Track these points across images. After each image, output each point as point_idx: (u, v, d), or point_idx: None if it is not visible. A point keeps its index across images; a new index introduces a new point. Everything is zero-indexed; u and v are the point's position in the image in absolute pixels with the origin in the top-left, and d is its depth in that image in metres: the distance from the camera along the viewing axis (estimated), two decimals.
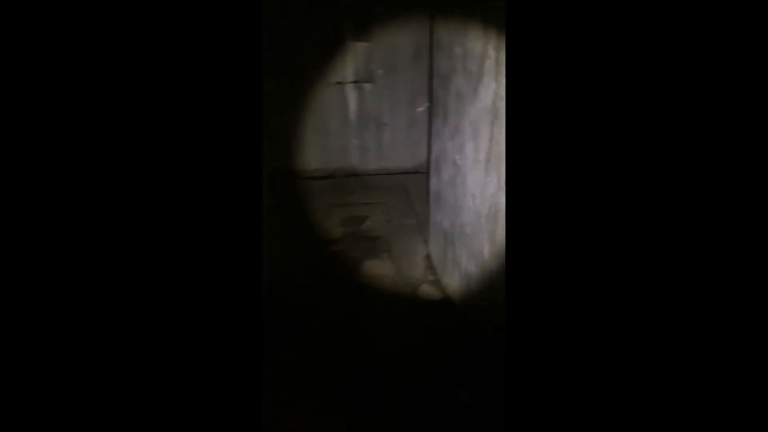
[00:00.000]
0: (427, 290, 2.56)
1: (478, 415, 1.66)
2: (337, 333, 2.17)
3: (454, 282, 2.41)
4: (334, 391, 1.80)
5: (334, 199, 3.91)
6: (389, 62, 4.19)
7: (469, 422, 1.65)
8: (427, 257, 2.75)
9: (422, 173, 4.56)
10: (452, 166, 2.41)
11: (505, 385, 1.21)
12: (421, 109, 4.39)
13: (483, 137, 1.91)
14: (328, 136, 4.45)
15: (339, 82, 4.24)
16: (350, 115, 4.40)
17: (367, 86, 4.29)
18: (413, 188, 4.15)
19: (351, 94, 4.31)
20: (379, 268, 2.69)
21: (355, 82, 4.24)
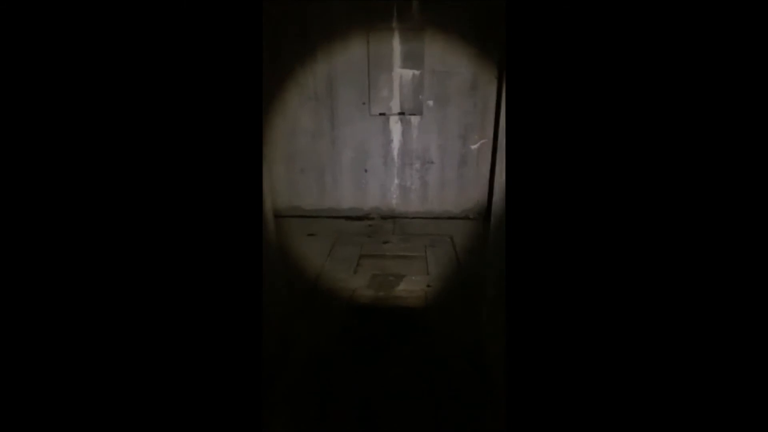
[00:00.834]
0: None
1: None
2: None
3: None
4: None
5: (365, 247, 3.36)
6: (440, 93, 3.67)
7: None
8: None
9: (472, 219, 3.91)
10: None
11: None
12: (476, 146, 3.79)
13: None
14: (369, 173, 3.95)
15: (382, 113, 3.75)
16: (393, 151, 3.88)
17: (415, 119, 3.77)
18: (459, 237, 3.50)
19: (395, 128, 3.80)
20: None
21: (400, 114, 3.74)
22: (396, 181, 3.96)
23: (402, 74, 3.61)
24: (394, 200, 4.02)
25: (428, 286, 2.68)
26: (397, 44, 3.53)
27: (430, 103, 3.69)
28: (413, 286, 2.70)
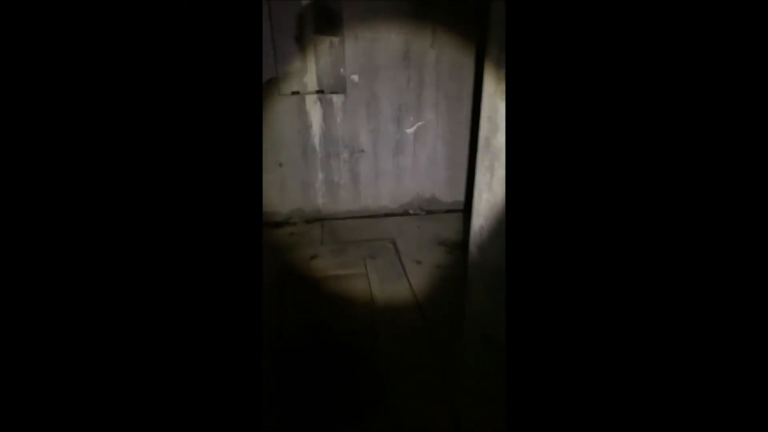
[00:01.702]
0: None
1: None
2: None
3: None
4: None
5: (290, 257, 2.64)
6: (368, 65, 2.98)
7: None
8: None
9: (413, 214, 3.36)
10: None
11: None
12: (412, 129, 3.20)
13: None
14: (284, 167, 3.17)
15: (296, 92, 2.97)
16: (313, 139, 3.14)
17: (338, 98, 3.05)
18: (401, 239, 2.93)
19: (314, 109, 3.05)
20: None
21: (319, 92, 2.99)
22: (320, 175, 3.25)
23: (317, 42, 2.85)
24: (319, 199, 3.31)
25: (374, 317, 2.06)
26: (308, 2, 2.74)
27: (355, 78, 2.99)
28: (354, 323, 2.06)
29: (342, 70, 2.95)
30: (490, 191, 1.03)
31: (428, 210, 3.45)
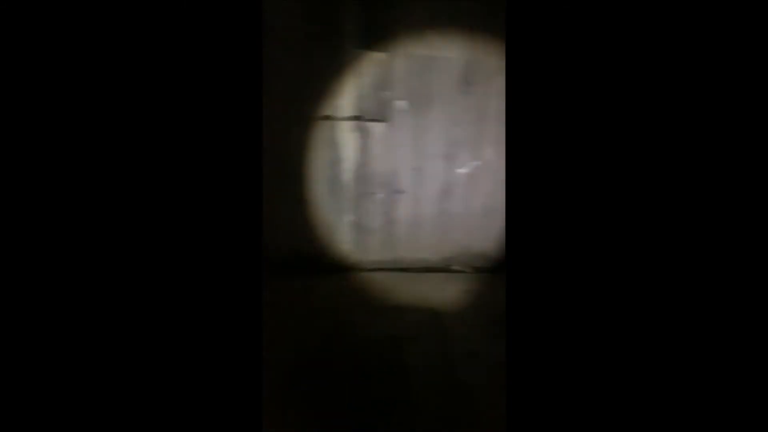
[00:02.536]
0: None
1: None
2: None
3: None
4: None
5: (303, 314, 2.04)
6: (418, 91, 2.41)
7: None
8: None
9: (457, 271, 2.72)
10: None
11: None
12: (466, 170, 2.59)
13: None
14: (305, 204, 2.60)
15: (327, 117, 2.42)
16: (343, 174, 2.57)
17: (378, 127, 2.48)
18: (438, 294, 2.29)
19: (348, 138, 2.49)
20: None
21: (356, 118, 2.43)
22: (348, 217, 2.66)
23: (358, 58, 2.31)
24: (345, 245, 2.72)
25: None
26: (353, 9, 2.21)
27: (401, 104, 2.42)
28: None
29: (386, 93, 2.39)
30: None
31: (476, 267, 2.81)
